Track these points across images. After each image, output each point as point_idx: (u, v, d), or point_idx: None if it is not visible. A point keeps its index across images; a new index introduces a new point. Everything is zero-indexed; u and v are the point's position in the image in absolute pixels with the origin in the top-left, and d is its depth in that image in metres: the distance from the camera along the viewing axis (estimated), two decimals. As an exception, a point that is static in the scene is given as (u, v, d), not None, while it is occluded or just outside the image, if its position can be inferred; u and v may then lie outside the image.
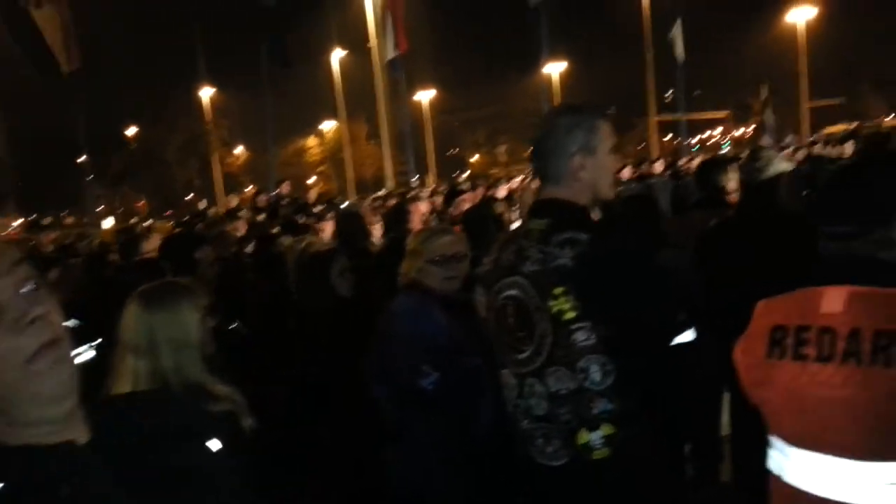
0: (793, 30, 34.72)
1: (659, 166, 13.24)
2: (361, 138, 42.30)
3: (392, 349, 2.78)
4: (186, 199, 40.14)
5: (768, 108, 17.20)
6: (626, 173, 12.13)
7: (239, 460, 1.19)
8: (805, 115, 35.37)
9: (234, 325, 3.36)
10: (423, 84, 37.72)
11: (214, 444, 1.13)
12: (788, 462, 1.75)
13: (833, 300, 1.62)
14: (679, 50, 12.26)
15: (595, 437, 1.93)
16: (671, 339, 2.11)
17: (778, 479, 1.79)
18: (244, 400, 2.03)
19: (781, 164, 3.32)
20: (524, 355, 2.01)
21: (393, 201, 8.99)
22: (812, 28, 33.78)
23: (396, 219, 5.08)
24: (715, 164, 4.10)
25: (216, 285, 3.85)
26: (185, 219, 11.78)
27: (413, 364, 2.70)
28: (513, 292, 2.02)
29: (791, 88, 34.47)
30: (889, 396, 1.51)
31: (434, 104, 39.31)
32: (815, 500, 1.69)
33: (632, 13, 29.99)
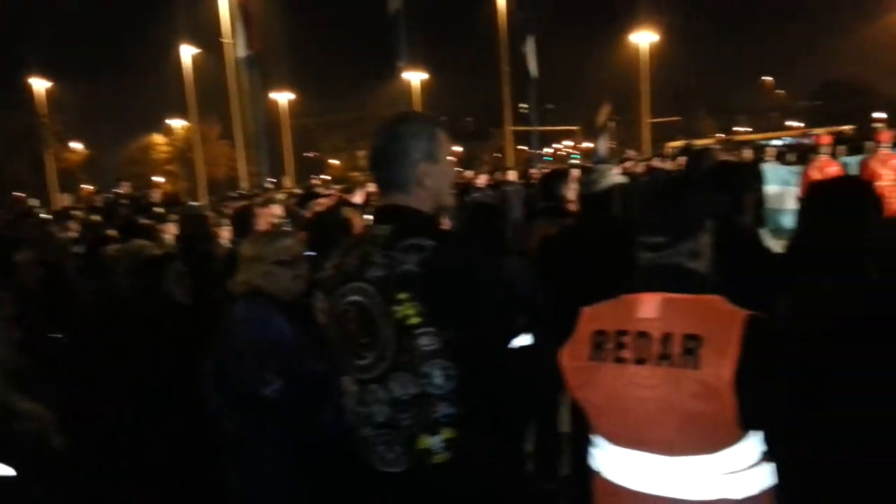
0: (636, 52, 37.39)
1: (512, 175, 13.76)
2: (213, 137, 40.65)
3: (234, 357, 2.68)
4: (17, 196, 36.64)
5: (605, 127, 18.40)
6: (482, 180, 12.55)
7: (42, 484, 1.08)
8: (646, 131, 38.19)
9: (55, 334, 3.09)
10: (281, 86, 36.93)
11: (5, 470, 1.02)
12: (609, 459, 1.85)
13: (648, 306, 1.73)
14: (532, 66, 12.79)
15: (435, 441, 1.94)
16: (509, 343, 2.15)
17: (599, 475, 1.89)
18: (54, 417, 1.85)
19: (615, 178, 3.53)
20: (366, 361, 1.99)
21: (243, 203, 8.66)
22: (654, 51, 36.50)
23: (243, 221, 4.90)
24: (556, 176, 4.30)
25: (36, 290, 3.52)
26: (9, 219, 10.72)
27: (256, 371, 2.61)
28: (356, 298, 2.00)
29: (635, 106, 37.02)
30: (695, 396, 1.64)
31: (292, 106, 38.54)
32: (634, 496, 1.80)
33: (490, 28, 30.99)
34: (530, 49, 12.46)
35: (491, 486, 2.06)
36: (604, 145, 18.36)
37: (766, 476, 1.69)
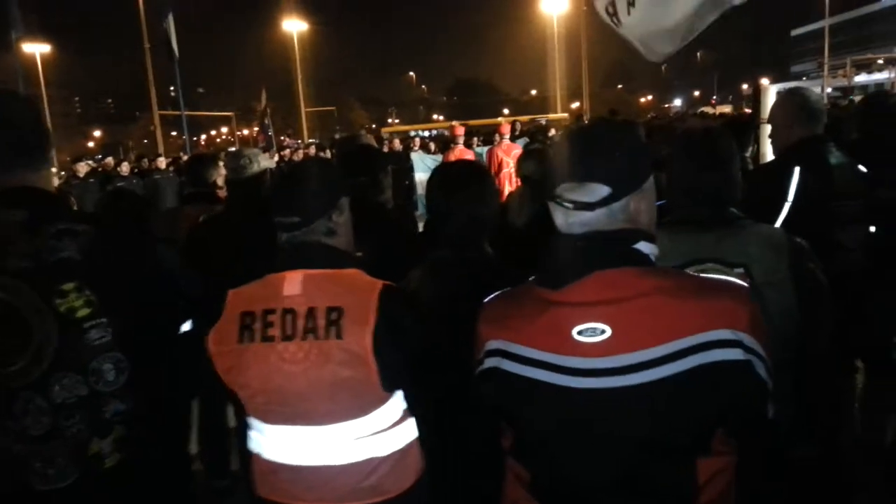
0: (290, 40, 37.66)
1: (162, 162, 12.91)
2: None
3: None
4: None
5: (266, 113, 18.40)
6: (125, 169, 11.53)
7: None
8: (303, 119, 38.83)
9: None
10: None
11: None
12: (265, 439, 1.85)
13: (292, 283, 1.76)
14: (173, 44, 12.03)
15: (106, 444, 1.78)
16: (176, 330, 2.12)
17: (258, 457, 1.88)
18: None
19: (264, 162, 3.51)
20: (16, 367, 1.71)
21: None
22: (305, 41, 37.11)
23: None
24: (204, 161, 4.13)
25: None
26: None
27: None
28: None
29: (292, 94, 37.34)
30: (342, 364, 1.71)
31: None
32: (291, 470, 1.82)
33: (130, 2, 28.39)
34: (170, 27, 11.68)
35: (163, 488, 1.94)
36: (268, 121, 18.29)
37: (408, 431, 1.84)
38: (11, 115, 1.83)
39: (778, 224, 2.61)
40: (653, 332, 1.28)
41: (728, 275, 1.98)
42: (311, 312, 1.73)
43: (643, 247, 1.37)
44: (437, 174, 2.34)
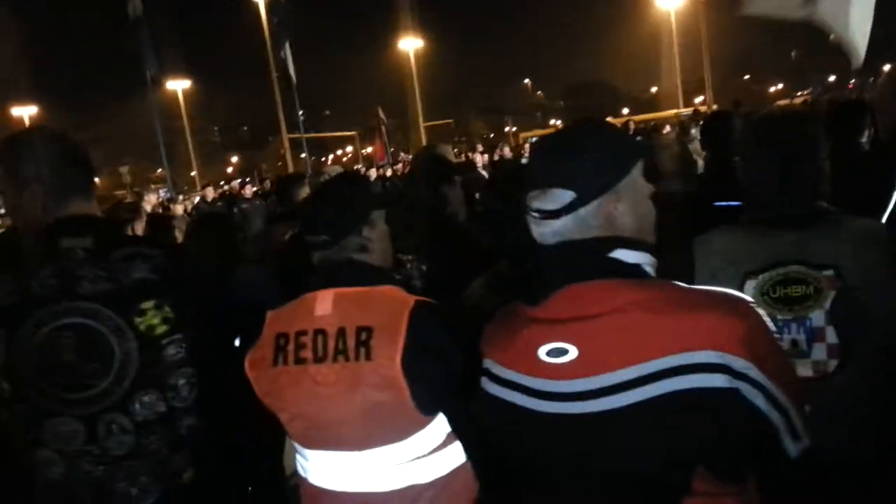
0: (406, 57, 38.63)
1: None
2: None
3: None
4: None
5: (382, 131, 18.92)
6: (248, 191, 12.15)
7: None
8: (421, 134, 39.60)
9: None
10: (23, 100, 33.19)
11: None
12: (309, 465, 1.80)
13: (324, 303, 1.70)
14: (291, 71, 12.62)
15: (182, 459, 1.81)
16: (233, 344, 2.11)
17: (305, 481, 1.84)
18: None
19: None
20: (97, 390, 1.76)
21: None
22: (420, 57, 37.96)
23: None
24: (292, 180, 4.23)
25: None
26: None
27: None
28: (72, 320, 1.75)
29: (409, 109, 38.24)
30: (374, 387, 1.63)
31: (36, 120, 34.78)
32: (335, 496, 1.76)
33: (256, 34, 30.15)
34: (288, 55, 12.27)
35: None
36: (385, 138, 18.77)
37: (452, 456, 1.73)
38: (64, 150, 1.91)
39: (885, 217, 2.28)
40: (621, 352, 1.11)
41: (815, 278, 1.74)
42: (341, 333, 1.66)
43: (623, 255, 1.20)
44: (496, 180, 2.24)
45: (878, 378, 1.73)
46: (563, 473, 1.21)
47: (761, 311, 1.17)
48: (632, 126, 14.02)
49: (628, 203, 1.25)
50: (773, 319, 1.77)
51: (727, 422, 1.09)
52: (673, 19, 37.95)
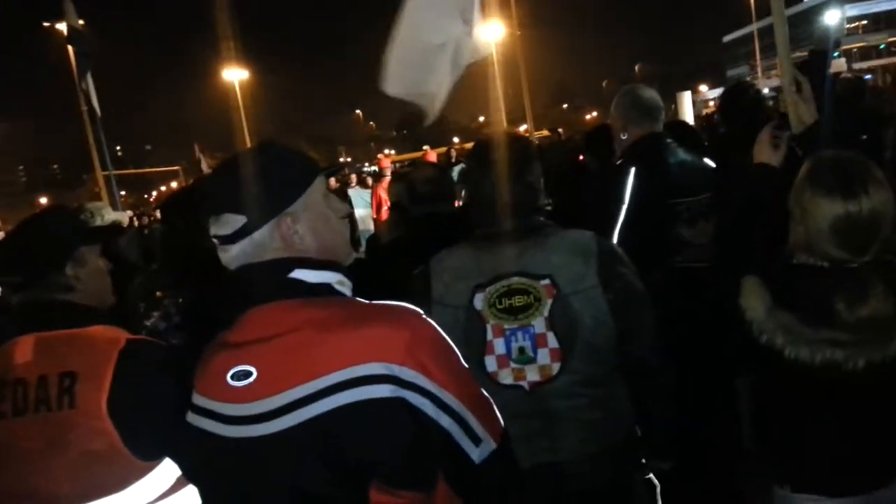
0: (231, 88, 37.49)
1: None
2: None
3: None
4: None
5: (202, 167, 18.22)
6: None
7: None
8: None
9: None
10: None
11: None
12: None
13: (23, 350, 1.57)
14: (94, 103, 11.75)
15: None
16: None
17: None
18: None
19: (109, 216, 3.33)
20: None
21: None
22: (248, 89, 37.04)
23: None
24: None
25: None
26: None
27: None
28: None
29: (239, 142, 37.15)
30: (83, 436, 1.51)
31: None
32: None
33: (61, 65, 27.96)
34: (90, 87, 11.42)
35: None
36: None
37: (182, 503, 1.64)
38: None
39: (618, 226, 2.49)
40: (294, 372, 1.12)
41: (535, 287, 1.85)
42: (42, 381, 1.52)
43: (303, 275, 1.22)
44: None
45: (594, 379, 1.86)
46: (249, 498, 1.18)
47: (431, 321, 1.22)
48: (453, 154, 14.39)
49: (307, 224, 1.25)
50: (502, 329, 1.86)
51: (397, 430, 1.11)
52: (494, 52, 39.87)
